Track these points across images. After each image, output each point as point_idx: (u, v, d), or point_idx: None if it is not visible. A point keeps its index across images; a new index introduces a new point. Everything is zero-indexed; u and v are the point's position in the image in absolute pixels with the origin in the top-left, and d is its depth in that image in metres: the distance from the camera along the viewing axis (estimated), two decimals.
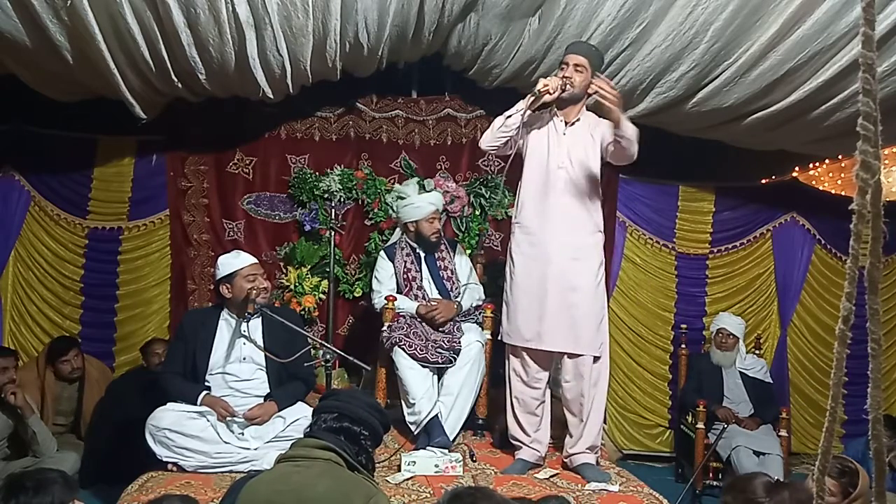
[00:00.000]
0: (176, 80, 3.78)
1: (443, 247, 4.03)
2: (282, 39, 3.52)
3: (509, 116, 3.21)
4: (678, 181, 5.04)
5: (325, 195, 4.59)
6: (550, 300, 3.22)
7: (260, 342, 3.28)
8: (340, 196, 4.60)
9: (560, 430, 3.51)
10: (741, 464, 4.10)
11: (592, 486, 3.12)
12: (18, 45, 3.31)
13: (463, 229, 4.65)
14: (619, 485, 3.16)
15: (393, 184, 4.71)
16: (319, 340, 3.55)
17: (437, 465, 3.19)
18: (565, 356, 3.30)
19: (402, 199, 4.10)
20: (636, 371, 5.04)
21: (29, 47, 3.33)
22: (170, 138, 4.59)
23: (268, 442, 3.12)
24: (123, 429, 3.62)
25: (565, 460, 3.41)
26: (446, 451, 3.36)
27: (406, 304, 3.86)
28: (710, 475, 4.25)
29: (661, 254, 5.05)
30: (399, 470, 3.19)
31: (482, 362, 3.76)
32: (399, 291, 3.94)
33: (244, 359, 3.28)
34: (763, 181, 5.05)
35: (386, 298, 3.86)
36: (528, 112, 3.19)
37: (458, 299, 3.88)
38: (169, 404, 3.17)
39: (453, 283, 3.94)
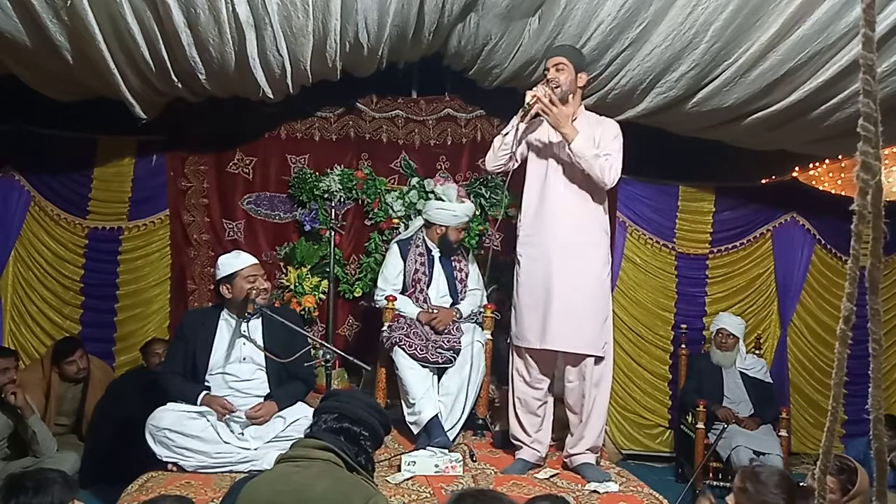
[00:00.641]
0: (176, 80, 3.78)
1: (459, 252, 4.07)
2: (282, 39, 3.52)
3: (506, 134, 3.25)
4: (678, 181, 5.04)
5: (325, 195, 4.59)
6: (554, 301, 3.22)
7: (260, 342, 3.28)
8: (340, 196, 4.60)
9: (561, 430, 3.51)
10: (741, 464, 4.09)
11: (592, 487, 3.12)
12: (18, 45, 3.31)
13: None
14: (620, 485, 3.16)
15: (393, 184, 4.72)
16: (319, 340, 3.55)
17: (437, 465, 3.19)
18: (568, 356, 3.30)
19: (441, 200, 4.12)
20: (636, 371, 5.04)
21: (29, 47, 3.33)
22: (170, 138, 4.59)
23: (268, 442, 3.12)
24: (123, 429, 3.63)
25: (565, 460, 3.41)
26: (446, 451, 3.36)
27: (407, 308, 3.86)
28: (710, 475, 4.25)
29: (661, 254, 5.06)
30: (399, 470, 3.19)
31: (482, 362, 3.77)
32: (403, 290, 3.95)
33: (244, 359, 3.28)
34: (763, 181, 5.05)
35: (386, 299, 3.86)
36: (524, 126, 3.21)
37: (461, 305, 3.91)
38: (169, 404, 3.17)
39: (465, 286, 3.96)
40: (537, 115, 3.21)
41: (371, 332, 4.40)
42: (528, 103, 3.14)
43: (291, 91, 4.09)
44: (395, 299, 3.86)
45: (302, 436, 2.13)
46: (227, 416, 3.14)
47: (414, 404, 3.55)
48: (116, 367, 4.59)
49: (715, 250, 5.09)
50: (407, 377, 3.60)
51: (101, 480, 3.76)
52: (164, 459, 3.07)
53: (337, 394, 2.28)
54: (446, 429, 3.51)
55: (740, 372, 4.61)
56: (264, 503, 1.86)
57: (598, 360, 3.29)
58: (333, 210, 4.61)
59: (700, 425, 4.22)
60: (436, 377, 3.69)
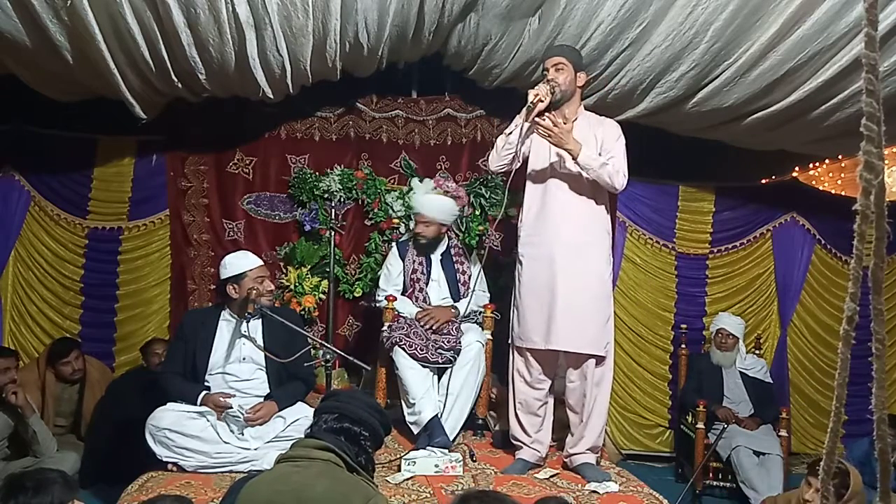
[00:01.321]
0: (176, 80, 3.78)
1: (461, 252, 4.05)
2: (282, 39, 3.52)
3: (509, 134, 3.25)
4: (678, 181, 5.04)
5: (325, 195, 4.59)
6: (558, 301, 3.21)
7: (260, 342, 3.28)
8: (340, 196, 4.60)
9: (562, 431, 3.51)
10: (741, 464, 4.10)
11: (592, 486, 3.12)
12: (18, 45, 3.31)
13: (463, 229, 4.65)
14: (620, 485, 3.16)
15: (393, 184, 4.72)
16: (319, 340, 3.55)
17: (437, 465, 3.19)
18: (570, 356, 3.30)
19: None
20: (636, 371, 5.04)
21: (29, 47, 3.33)
22: (170, 138, 4.59)
23: (268, 442, 3.12)
24: (123, 429, 3.63)
25: (566, 460, 3.41)
26: (446, 451, 3.36)
27: (406, 308, 3.87)
28: (710, 475, 4.25)
29: (661, 254, 5.06)
30: (399, 470, 3.19)
31: (482, 362, 3.76)
32: (403, 290, 3.95)
33: (244, 359, 3.28)
34: (763, 181, 5.05)
35: (386, 299, 3.86)
36: (527, 125, 3.20)
37: (461, 304, 3.90)
38: (169, 404, 3.17)
39: (468, 287, 3.95)
40: (539, 114, 3.19)
41: (371, 332, 4.40)
42: (531, 102, 3.14)
43: (291, 91, 4.08)
44: (395, 299, 3.86)
45: (302, 436, 2.13)
46: (225, 413, 3.14)
47: (414, 404, 3.55)
48: (116, 367, 4.59)
49: (715, 250, 5.09)
50: (407, 377, 3.59)
51: (101, 480, 3.76)
52: (164, 459, 3.07)
53: (337, 394, 2.27)
54: (446, 429, 3.51)
55: (740, 372, 4.61)
56: (264, 503, 1.86)
57: (600, 360, 3.29)
58: (333, 210, 4.61)
59: (700, 425, 4.22)
60: (436, 377, 3.69)
